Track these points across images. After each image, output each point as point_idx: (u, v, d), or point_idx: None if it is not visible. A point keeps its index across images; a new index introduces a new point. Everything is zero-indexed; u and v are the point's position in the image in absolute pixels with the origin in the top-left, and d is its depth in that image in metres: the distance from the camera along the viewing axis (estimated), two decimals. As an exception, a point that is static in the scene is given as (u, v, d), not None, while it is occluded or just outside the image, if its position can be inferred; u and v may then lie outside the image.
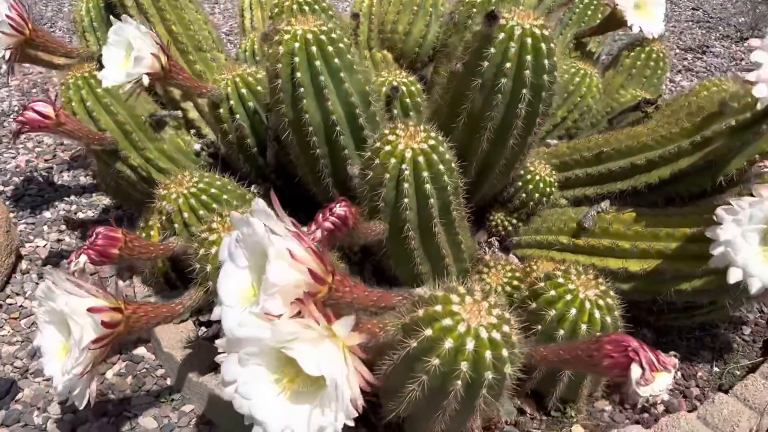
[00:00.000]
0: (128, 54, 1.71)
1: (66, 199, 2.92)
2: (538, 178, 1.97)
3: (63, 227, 2.71)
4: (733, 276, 1.45)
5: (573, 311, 1.59)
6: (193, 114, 2.32)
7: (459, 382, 1.17)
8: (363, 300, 1.25)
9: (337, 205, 1.47)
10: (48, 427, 1.81)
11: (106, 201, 2.88)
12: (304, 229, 1.21)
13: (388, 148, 1.58)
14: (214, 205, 1.80)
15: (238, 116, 1.95)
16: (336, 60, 1.67)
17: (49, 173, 3.12)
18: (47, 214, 2.79)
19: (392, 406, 1.34)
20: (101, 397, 1.90)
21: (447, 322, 1.17)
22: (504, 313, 1.21)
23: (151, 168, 2.18)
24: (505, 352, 1.18)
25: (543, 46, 1.55)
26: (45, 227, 2.71)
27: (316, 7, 2.12)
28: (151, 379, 1.95)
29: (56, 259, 2.51)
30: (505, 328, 1.20)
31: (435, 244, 1.74)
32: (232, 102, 1.94)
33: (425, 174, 1.57)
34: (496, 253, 2.02)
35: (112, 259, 1.65)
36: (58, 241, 2.62)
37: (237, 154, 2.05)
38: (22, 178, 3.07)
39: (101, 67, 2.08)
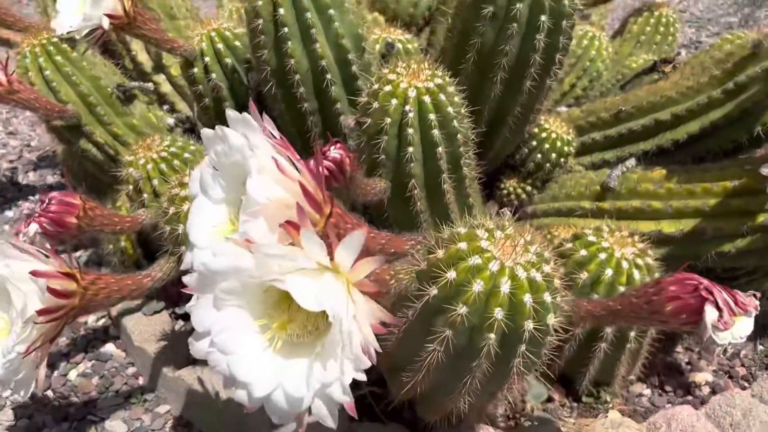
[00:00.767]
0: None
1: (31, 198, 2.67)
2: (554, 135, 1.76)
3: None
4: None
5: (609, 272, 1.37)
6: (165, 87, 2.10)
7: (492, 336, 0.93)
8: (368, 243, 1.02)
9: (332, 148, 1.24)
10: (-2, 435, 1.55)
11: (74, 198, 2.63)
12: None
13: (388, 88, 1.36)
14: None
15: (214, 75, 1.72)
16: (324, -6, 1.46)
17: (13, 173, 2.87)
18: (9, 213, 2.54)
19: (405, 380, 1.10)
20: (62, 401, 1.63)
21: (475, 260, 0.94)
22: (543, 251, 0.99)
23: (119, 145, 1.95)
24: (547, 297, 0.95)
25: (563, -36, 1.35)
26: (6, 227, 2.45)
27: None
28: (121, 379, 1.69)
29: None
30: (546, 268, 0.97)
31: (443, 205, 1.51)
32: (207, 59, 1.71)
33: (432, 117, 1.35)
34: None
35: (68, 230, 1.40)
36: (20, 239, 2.37)
37: (214, 121, 1.82)
38: (-18, 179, 2.82)
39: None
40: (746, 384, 1.67)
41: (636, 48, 2.46)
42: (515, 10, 1.37)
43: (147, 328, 1.72)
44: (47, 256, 1.16)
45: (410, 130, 1.35)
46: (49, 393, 1.66)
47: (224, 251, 0.78)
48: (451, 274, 0.94)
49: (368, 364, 0.76)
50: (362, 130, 1.41)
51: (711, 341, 0.94)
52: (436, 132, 1.37)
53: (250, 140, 0.84)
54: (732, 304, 0.94)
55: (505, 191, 1.85)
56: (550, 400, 1.59)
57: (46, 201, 1.39)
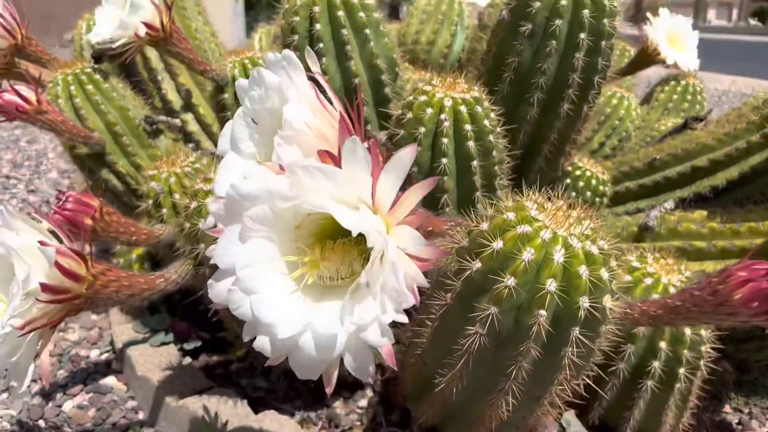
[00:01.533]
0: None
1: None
2: (589, 174, 1.70)
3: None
4: None
5: (655, 297, 1.27)
6: (192, 126, 2.09)
7: (543, 312, 0.83)
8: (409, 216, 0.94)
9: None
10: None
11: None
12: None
13: (423, 98, 1.33)
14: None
15: (244, 101, 1.70)
16: (361, 14, 1.47)
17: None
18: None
19: (436, 388, 0.99)
20: (53, 431, 1.50)
21: (524, 228, 0.86)
22: (599, 229, 0.90)
23: (141, 177, 1.91)
24: (604, 273, 0.86)
25: (603, -17, 1.34)
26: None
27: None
28: (119, 412, 1.56)
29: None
30: (603, 245, 0.88)
31: (476, 229, 1.43)
32: (238, 85, 1.70)
33: (468, 128, 1.31)
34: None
35: (82, 231, 1.33)
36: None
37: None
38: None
39: (96, 62, 1.89)
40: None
41: (663, 115, 2.45)
42: (554, 27, 1.35)
43: (152, 359, 1.61)
44: (60, 240, 1.10)
45: (445, 140, 1.31)
46: (41, 423, 1.52)
47: (256, 173, 0.71)
48: (498, 244, 0.86)
49: (412, 301, 0.66)
50: (394, 142, 1.37)
51: (790, 328, 0.83)
52: (471, 144, 1.32)
53: (291, 76, 0.79)
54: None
55: (536, 234, 1.77)
56: (588, 452, 1.43)
57: (63, 198, 1.33)
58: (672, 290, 1.28)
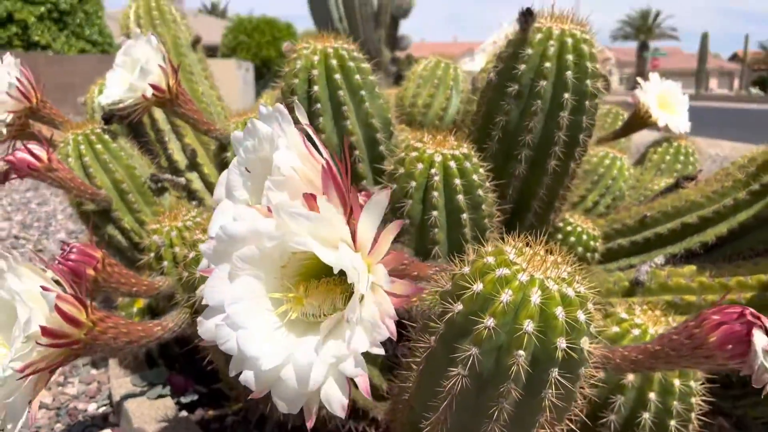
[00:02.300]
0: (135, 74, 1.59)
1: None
2: (580, 229, 1.75)
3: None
4: None
5: (643, 348, 1.29)
6: (197, 185, 2.16)
7: (522, 352, 0.86)
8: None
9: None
10: None
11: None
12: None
13: (414, 154, 1.39)
14: (212, 242, 1.55)
15: (246, 159, 1.77)
16: (357, 76, 1.55)
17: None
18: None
19: (422, 425, 1.00)
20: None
21: (503, 271, 0.89)
22: (576, 273, 0.94)
23: (144, 233, 1.96)
24: (581, 316, 0.89)
25: (585, 47, 1.42)
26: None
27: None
28: (113, 466, 1.56)
29: None
30: (580, 288, 0.92)
31: (467, 281, 1.47)
32: (240, 143, 1.77)
33: (457, 182, 1.36)
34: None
35: (84, 282, 1.37)
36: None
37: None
38: None
39: (106, 123, 1.97)
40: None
41: (657, 175, 2.51)
42: (539, 87, 1.42)
43: (149, 411, 1.62)
44: (64, 289, 1.14)
45: (435, 193, 1.36)
46: (34, 474, 1.53)
47: (245, 215, 0.76)
48: (478, 286, 0.89)
49: (386, 334, 0.70)
50: (387, 196, 1.42)
51: (763, 370, 0.86)
52: (461, 197, 1.37)
53: (282, 126, 0.85)
54: (782, 331, 0.87)
55: (530, 288, 1.79)
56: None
57: (67, 249, 1.38)
58: (659, 341, 1.30)
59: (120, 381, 1.80)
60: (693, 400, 1.32)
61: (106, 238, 1.96)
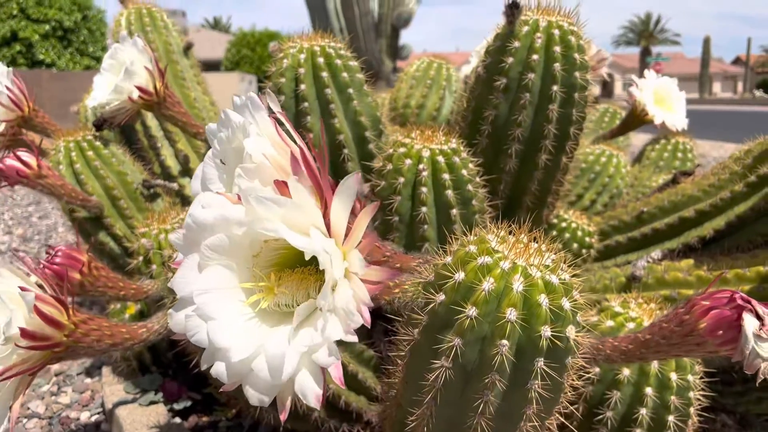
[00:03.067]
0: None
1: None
2: (574, 225, 1.72)
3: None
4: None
5: (638, 341, 1.26)
6: (189, 190, 2.14)
7: (505, 342, 0.84)
8: (372, 252, 0.96)
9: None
10: None
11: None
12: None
13: (402, 150, 1.37)
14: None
15: (236, 161, 1.76)
16: (344, 74, 1.53)
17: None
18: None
19: (408, 421, 0.98)
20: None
21: (485, 259, 0.87)
22: (561, 261, 0.91)
23: (134, 237, 1.95)
24: (566, 304, 0.86)
25: (572, 39, 1.41)
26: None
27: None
28: (104, 474, 1.54)
29: None
30: (565, 276, 0.89)
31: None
32: (230, 145, 1.76)
33: (446, 177, 1.35)
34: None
35: (66, 284, 1.36)
36: None
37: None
38: None
39: (97, 130, 1.96)
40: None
41: (655, 173, 2.48)
42: (527, 80, 1.41)
43: (141, 418, 1.60)
44: (44, 289, 1.12)
45: (424, 189, 1.34)
46: (25, 484, 1.50)
47: (213, 202, 0.74)
48: (459, 275, 0.87)
49: (360, 321, 0.68)
50: (375, 193, 1.40)
51: (755, 355, 0.83)
52: (450, 192, 1.35)
53: (253, 114, 0.83)
54: (772, 316, 0.85)
55: (525, 287, 1.77)
56: None
57: (52, 253, 1.37)
58: (655, 334, 1.27)
59: (112, 388, 1.78)
60: (691, 394, 1.29)
61: (98, 244, 1.95)
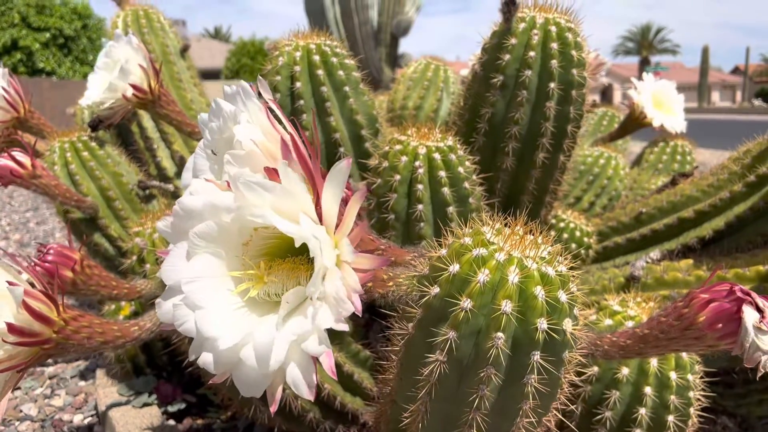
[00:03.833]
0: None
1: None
2: (573, 225, 1.71)
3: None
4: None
5: (637, 339, 1.24)
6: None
7: (500, 335, 0.82)
8: (366, 245, 0.95)
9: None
10: None
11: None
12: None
13: (398, 147, 1.36)
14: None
15: (231, 161, 1.75)
16: (340, 72, 1.52)
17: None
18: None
19: (403, 418, 0.96)
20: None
21: (480, 251, 0.86)
22: (557, 254, 0.90)
23: (128, 236, 1.93)
24: (562, 296, 0.85)
25: (569, 36, 1.39)
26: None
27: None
28: (96, 476, 1.52)
29: None
30: (561, 268, 0.88)
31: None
32: (226, 145, 1.75)
33: (442, 174, 1.33)
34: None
35: (56, 281, 1.34)
36: None
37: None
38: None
39: (92, 130, 1.95)
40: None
41: (654, 175, 2.47)
42: (524, 77, 1.39)
43: (134, 420, 1.58)
44: (33, 285, 1.11)
45: (420, 186, 1.33)
46: (16, 487, 1.48)
47: (201, 189, 0.72)
48: (454, 267, 0.86)
49: (351, 309, 0.66)
50: (371, 191, 1.39)
51: (755, 348, 0.81)
52: (446, 190, 1.34)
53: (244, 101, 0.82)
54: (772, 309, 0.83)
55: (523, 288, 1.75)
56: None
57: (44, 251, 1.35)
58: (654, 333, 1.26)
59: (106, 390, 1.76)
60: (691, 394, 1.27)
61: (93, 245, 1.93)
